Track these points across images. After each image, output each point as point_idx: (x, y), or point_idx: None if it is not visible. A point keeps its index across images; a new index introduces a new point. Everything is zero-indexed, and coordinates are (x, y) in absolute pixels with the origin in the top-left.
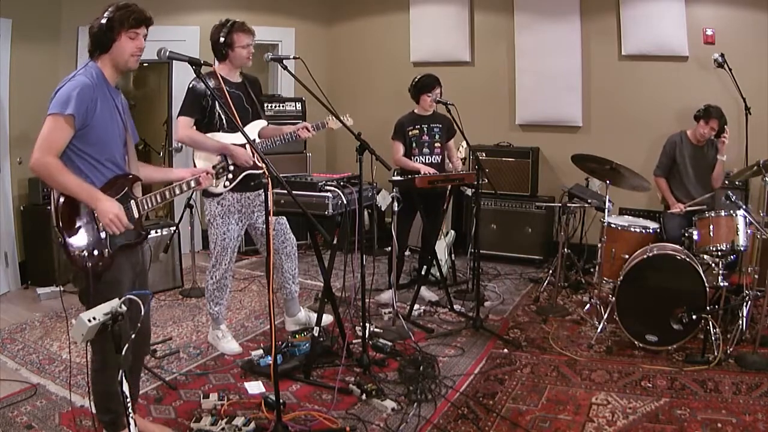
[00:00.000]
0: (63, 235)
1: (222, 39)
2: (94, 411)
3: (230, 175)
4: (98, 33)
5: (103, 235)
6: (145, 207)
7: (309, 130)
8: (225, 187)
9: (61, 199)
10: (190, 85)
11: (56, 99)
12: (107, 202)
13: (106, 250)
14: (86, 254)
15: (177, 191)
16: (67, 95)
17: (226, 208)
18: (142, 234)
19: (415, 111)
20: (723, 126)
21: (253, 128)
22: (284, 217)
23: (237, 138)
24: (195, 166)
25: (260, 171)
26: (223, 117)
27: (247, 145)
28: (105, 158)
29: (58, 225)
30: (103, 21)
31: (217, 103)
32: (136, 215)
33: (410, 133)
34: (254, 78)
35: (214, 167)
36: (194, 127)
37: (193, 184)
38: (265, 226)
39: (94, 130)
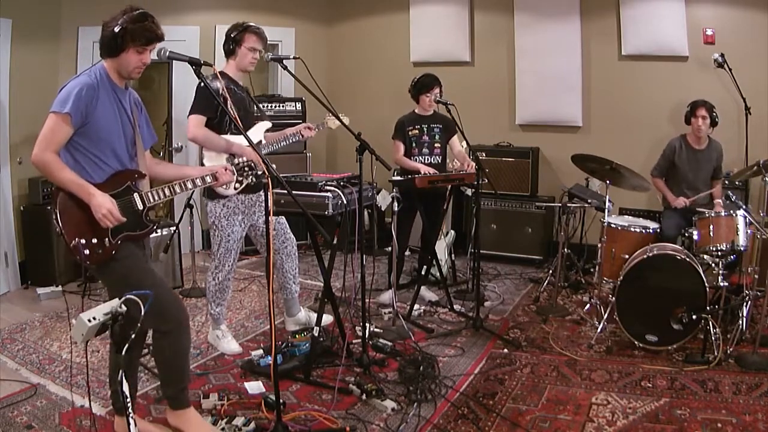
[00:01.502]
0: (60, 224)
1: (233, 34)
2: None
3: (256, 173)
4: (109, 39)
5: (103, 224)
6: (151, 200)
7: (311, 129)
8: (236, 189)
9: (60, 192)
10: (202, 84)
11: (58, 97)
12: (100, 198)
13: (107, 239)
14: (84, 242)
15: (189, 185)
16: (67, 94)
17: (231, 209)
18: (149, 226)
19: (416, 111)
20: (713, 111)
21: (259, 129)
22: (284, 217)
23: (244, 140)
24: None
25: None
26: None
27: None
28: (106, 155)
29: (56, 215)
30: (117, 29)
31: (229, 103)
32: (140, 207)
33: (410, 132)
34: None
35: (236, 165)
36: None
37: (209, 179)
38: (265, 226)
39: (95, 127)
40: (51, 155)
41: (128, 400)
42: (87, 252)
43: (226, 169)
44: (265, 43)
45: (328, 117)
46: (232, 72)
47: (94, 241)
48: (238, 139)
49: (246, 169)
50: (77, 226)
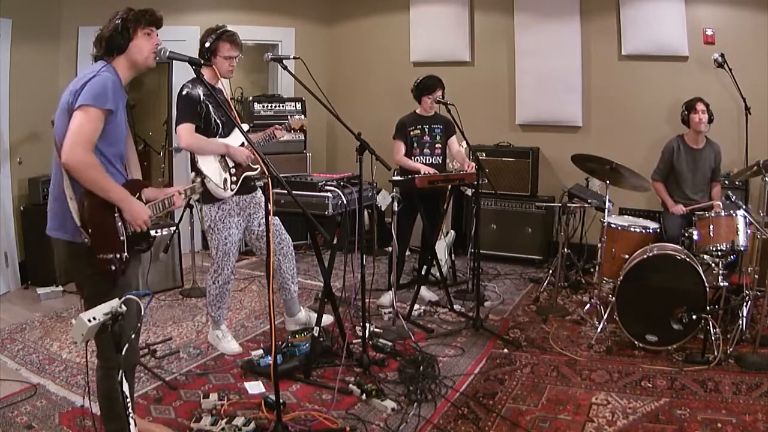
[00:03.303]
0: (89, 236)
1: (207, 44)
2: (99, 414)
3: (235, 182)
4: (114, 35)
5: (122, 238)
6: (154, 213)
7: (279, 130)
8: (232, 190)
9: (87, 200)
10: (184, 93)
11: (89, 91)
12: (137, 205)
13: (125, 254)
14: (111, 257)
15: (167, 204)
16: (102, 88)
17: (226, 212)
18: (151, 240)
19: (417, 111)
20: (708, 106)
21: (238, 133)
22: (277, 217)
23: (231, 140)
24: (196, 170)
25: (257, 171)
26: (219, 122)
27: (246, 145)
28: (115, 159)
29: (84, 226)
30: (118, 22)
31: (211, 108)
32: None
33: (412, 133)
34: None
35: (187, 189)
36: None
37: (167, 203)
38: (260, 228)
39: (113, 129)
40: (91, 156)
41: (128, 399)
42: (113, 268)
43: (180, 193)
44: (241, 47)
45: (292, 117)
46: (208, 76)
47: (117, 255)
48: (228, 141)
49: (190, 191)
50: (105, 238)
